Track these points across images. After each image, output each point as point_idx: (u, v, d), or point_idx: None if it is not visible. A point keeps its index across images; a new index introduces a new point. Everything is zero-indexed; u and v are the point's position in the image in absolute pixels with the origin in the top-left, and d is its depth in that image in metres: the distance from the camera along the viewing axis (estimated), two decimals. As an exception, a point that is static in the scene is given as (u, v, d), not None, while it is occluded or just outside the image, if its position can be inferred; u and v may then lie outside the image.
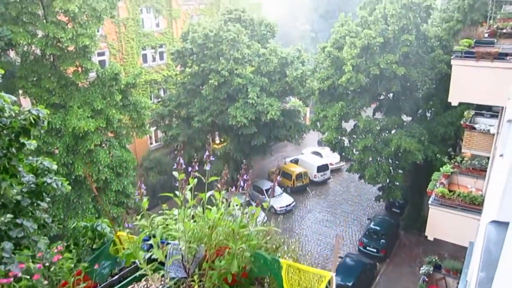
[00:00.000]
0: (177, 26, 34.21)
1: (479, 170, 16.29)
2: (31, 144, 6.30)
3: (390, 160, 26.23)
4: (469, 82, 14.07)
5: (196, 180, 3.23)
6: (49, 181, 6.25)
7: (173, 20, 34.01)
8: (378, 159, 25.80)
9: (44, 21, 18.97)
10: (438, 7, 28.76)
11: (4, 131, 5.81)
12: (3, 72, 5.43)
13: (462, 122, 17.78)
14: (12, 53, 21.46)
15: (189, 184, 3.15)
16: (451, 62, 14.35)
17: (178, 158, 3.17)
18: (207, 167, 3.36)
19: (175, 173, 3.18)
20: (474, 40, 16.76)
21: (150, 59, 33.35)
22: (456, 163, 16.58)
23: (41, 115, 5.47)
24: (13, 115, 5.83)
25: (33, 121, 5.47)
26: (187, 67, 28.27)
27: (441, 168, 16.64)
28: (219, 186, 3.35)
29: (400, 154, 24.99)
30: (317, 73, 27.24)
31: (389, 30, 23.34)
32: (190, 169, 3.24)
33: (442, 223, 14.98)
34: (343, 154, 27.94)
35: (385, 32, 23.50)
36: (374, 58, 23.69)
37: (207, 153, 3.37)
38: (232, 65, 25.46)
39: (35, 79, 19.87)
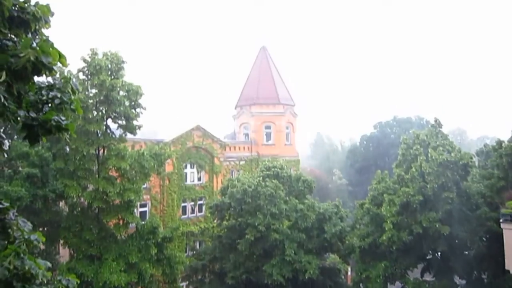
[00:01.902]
0: (217, 180, 35.87)
1: None
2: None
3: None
4: (525, 247, 12.95)
5: None
6: None
7: (214, 174, 35.89)
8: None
9: (97, 176, 20.46)
10: (476, 164, 28.83)
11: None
12: (43, 239, 5.55)
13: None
14: (61, 203, 22.76)
15: None
16: (501, 226, 13.51)
17: None
18: None
19: None
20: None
21: (189, 211, 34.17)
22: None
23: (71, 286, 5.32)
24: (45, 282, 5.75)
25: (62, 291, 5.30)
26: (225, 220, 28.44)
27: None
28: None
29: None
30: (357, 229, 26.46)
31: (428, 188, 23.16)
32: None
33: None
34: (392, 322, 24.88)
35: (424, 189, 23.30)
36: (415, 216, 23.00)
37: None
38: (269, 220, 25.36)
39: (77, 229, 20.45)
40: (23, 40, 4.66)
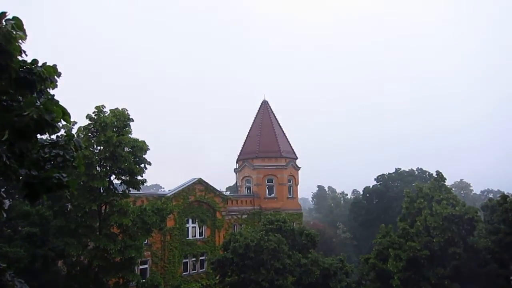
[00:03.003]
0: (219, 234, 35.26)
1: None
2: None
3: None
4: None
5: None
6: None
7: (216, 229, 35.32)
8: None
9: (98, 233, 20.01)
10: (482, 218, 28.33)
11: None
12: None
13: None
14: (60, 263, 22.13)
15: None
16: None
17: None
18: None
19: None
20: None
21: (191, 267, 33.23)
22: None
23: None
24: None
25: None
26: (227, 276, 27.55)
27: None
28: None
29: None
30: (363, 286, 25.56)
31: (434, 242, 22.66)
32: None
33: None
34: None
35: (430, 244, 22.80)
36: (422, 271, 22.28)
37: None
38: (273, 276, 24.59)
39: (76, 291, 19.77)
40: (26, 99, 4.73)
